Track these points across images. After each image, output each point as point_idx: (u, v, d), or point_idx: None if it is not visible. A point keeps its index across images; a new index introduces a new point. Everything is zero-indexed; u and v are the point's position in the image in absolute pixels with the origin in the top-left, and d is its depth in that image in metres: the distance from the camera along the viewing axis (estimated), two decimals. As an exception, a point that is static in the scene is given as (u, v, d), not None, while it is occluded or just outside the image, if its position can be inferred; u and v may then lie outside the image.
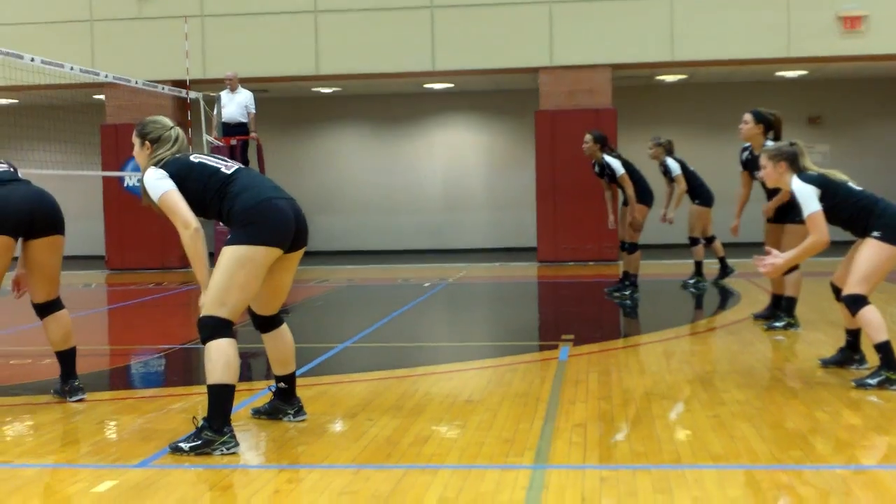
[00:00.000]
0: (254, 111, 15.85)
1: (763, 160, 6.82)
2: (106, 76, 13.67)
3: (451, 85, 20.21)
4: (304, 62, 18.08)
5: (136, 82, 14.25)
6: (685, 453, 4.96)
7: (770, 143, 8.56)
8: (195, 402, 6.55)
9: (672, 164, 12.57)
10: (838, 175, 6.60)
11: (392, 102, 21.61)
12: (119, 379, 7.95)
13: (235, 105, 15.72)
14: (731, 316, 9.94)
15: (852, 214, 6.47)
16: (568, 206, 17.27)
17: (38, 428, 5.86)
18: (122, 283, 15.78)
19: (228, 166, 5.36)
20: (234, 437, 5.14)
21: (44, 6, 18.38)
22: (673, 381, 6.73)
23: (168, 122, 5.55)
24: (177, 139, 5.46)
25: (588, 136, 11.78)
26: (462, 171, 21.35)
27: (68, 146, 15.62)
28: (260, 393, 6.60)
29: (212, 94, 16.00)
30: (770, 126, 9.46)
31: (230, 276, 5.11)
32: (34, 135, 12.66)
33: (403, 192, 21.60)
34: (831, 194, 6.47)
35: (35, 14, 18.33)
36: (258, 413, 5.84)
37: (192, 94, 15.81)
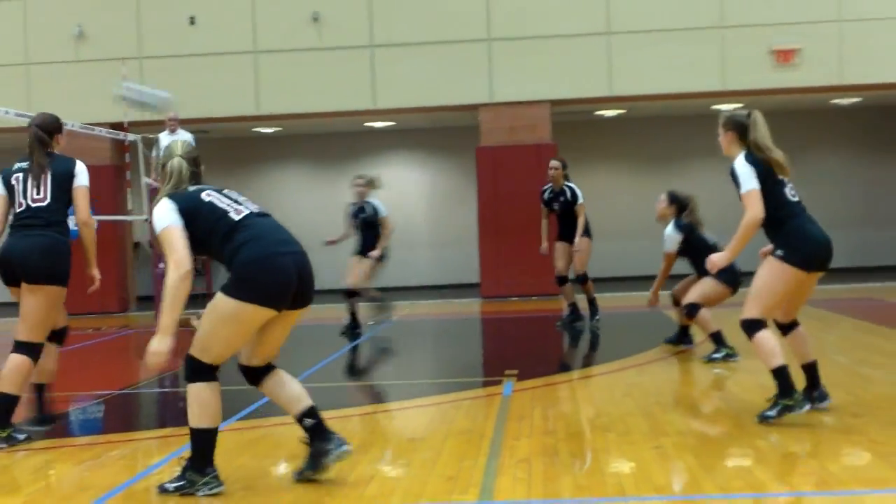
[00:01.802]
0: (194, 153, 15.75)
1: (720, 125, 6.68)
2: (42, 119, 13.49)
3: (393, 123, 20.26)
4: (244, 102, 18.03)
5: (73, 125, 14.04)
6: (629, 485, 4.96)
7: (670, 228, 9.63)
8: (134, 449, 6.44)
9: (577, 189, 12.35)
10: (783, 177, 6.32)
11: (333, 141, 21.60)
12: (56, 426, 7.77)
13: (175, 146, 15.61)
14: (672, 348, 10.00)
15: (771, 217, 6.20)
16: (510, 241, 17.34)
17: (-29, 479, 5.72)
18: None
19: (239, 210, 5.09)
20: (216, 477, 5.07)
21: (-22, 50, 18.16)
22: (616, 414, 6.74)
23: (174, 150, 5.30)
24: (172, 173, 5.19)
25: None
26: (405, 209, 21.32)
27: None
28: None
29: (150, 136, 15.85)
30: (682, 207, 9.91)
31: (215, 327, 4.96)
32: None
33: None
34: (767, 189, 6.22)
35: (-31, 58, 18.10)
36: (302, 476, 5.26)
37: (131, 137, 15.65)
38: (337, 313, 15.48)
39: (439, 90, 17.86)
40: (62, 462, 6.16)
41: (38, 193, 6.53)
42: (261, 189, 21.70)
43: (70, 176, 6.64)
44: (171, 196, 5.11)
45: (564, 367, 10.00)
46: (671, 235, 9.65)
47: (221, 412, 5.11)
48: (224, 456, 5.94)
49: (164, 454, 6.20)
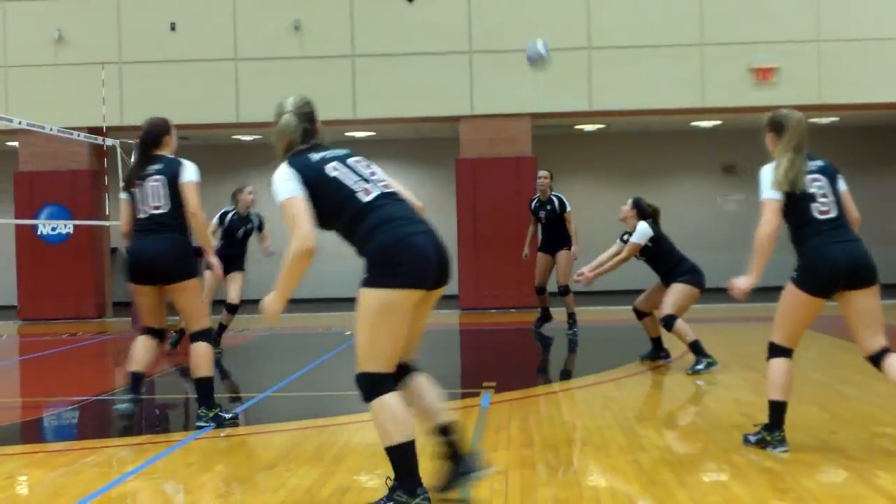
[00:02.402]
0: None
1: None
2: (20, 123, 13.40)
3: (373, 133, 20.25)
4: (224, 110, 17.98)
5: (52, 129, 13.98)
6: (606, 499, 4.96)
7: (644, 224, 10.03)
8: (109, 456, 6.38)
9: (564, 199, 13.02)
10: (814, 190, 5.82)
11: (313, 150, 21.55)
12: (30, 432, 7.71)
13: (154, 152, 15.53)
14: (650, 362, 10.02)
15: (792, 234, 5.88)
16: (489, 253, 17.35)
17: (-57, 484, 5.65)
18: (35, 334, 15.38)
19: (367, 190, 4.69)
20: (427, 498, 4.58)
21: (-44, 52, 18.04)
22: (594, 427, 6.75)
23: (285, 105, 5.04)
24: (283, 132, 4.94)
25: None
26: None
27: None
28: (176, 445, 6.46)
29: (129, 141, 15.77)
30: (644, 215, 10.30)
31: (374, 327, 4.54)
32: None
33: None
34: (792, 201, 5.79)
35: (-53, 59, 17.98)
36: (443, 491, 4.83)
37: (109, 142, 15.58)
38: (318, 322, 15.50)
39: (420, 101, 17.87)
40: (36, 468, 6.10)
41: (155, 201, 6.94)
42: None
43: (178, 177, 7.00)
44: (291, 162, 4.77)
45: (542, 380, 10.00)
46: (644, 230, 9.93)
47: (413, 422, 4.65)
48: (199, 465, 5.91)
49: (139, 461, 6.15)
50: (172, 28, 17.94)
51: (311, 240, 4.57)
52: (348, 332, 13.13)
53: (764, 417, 5.97)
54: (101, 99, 15.87)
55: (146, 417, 8.34)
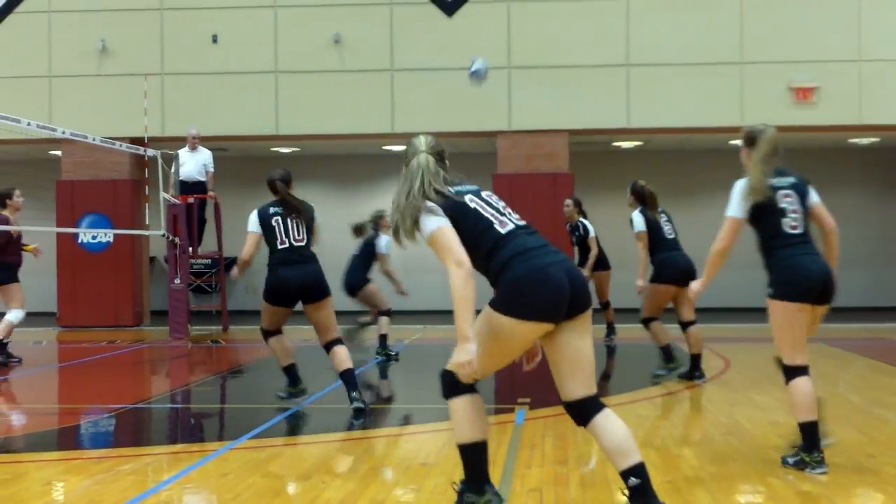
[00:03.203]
0: (212, 170, 15.83)
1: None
2: (63, 132, 13.61)
3: (410, 147, 20.31)
4: (264, 122, 18.12)
5: (94, 139, 14.18)
6: (640, 519, 4.93)
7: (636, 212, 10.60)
8: (145, 464, 6.45)
9: (589, 225, 13.38)
10: (785, 205, 6.03)
11: (351, 163, 21.67)
12: (68, 439, 7.80)
13: (194, 163, 15.69)
14: (685, 381, 9.97)
15: (762, 248, 6.09)
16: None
17: (-17, 489, 5.74)
18: (74, 341, 15.55)
19: (503, 222, 4.72)
20: (497, 494, 4.72)
21: (2, 61, 18.31)
22: (628, 446, 6.72)
23: (419, 145, 5.17)
24: (420, 170, 4.98)
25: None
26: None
27: (23, 201, 15.47)
28: (211, 455, 6.51)
29: (170, 151, 15.97)
30: (643, 199, 10.85)
31: (485, 343, 4.53)
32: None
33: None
34: (766, 213, 6.04)
35: (-7, 69, 18.27)
36: None
37: (150, 152, 15.76)
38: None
39: (458, 116, 17.92)
40: (73, 475, 6.17)
41: (298, 234, 8.39)
42: (277, 208, 21.79)
43: (312, 218, 8.54)
44: (430, 195, 4.81)
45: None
46: (637, 216, 10.58)
47: (487, 424, 4.78)
48: (235, 475, 5.96)
49: (174, 471, 6.21)
50: (214, 41, 18.13)
51: (468, 261, 4.53)
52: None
53: (800, 439, 5.93)
54: (142, 110, 16.06)
55: (182, 426, 8.42)
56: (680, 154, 21.16)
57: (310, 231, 8.46)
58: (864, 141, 19.73)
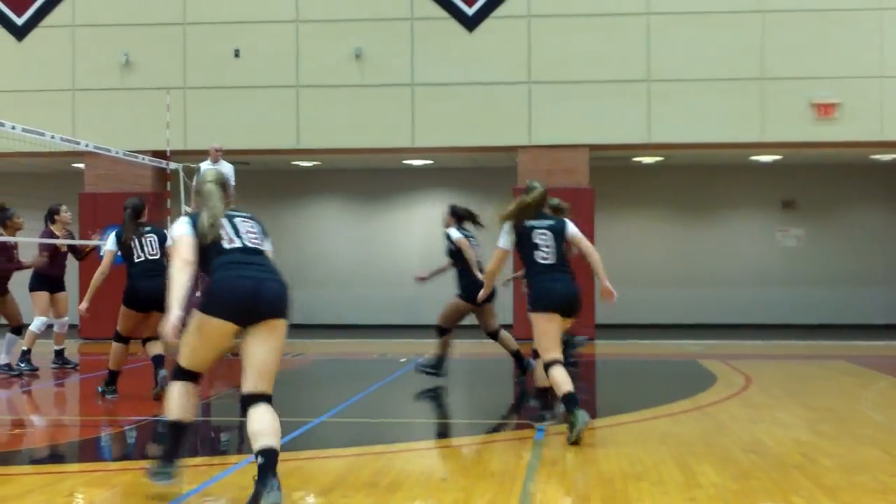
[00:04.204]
0: (232, 183, 15.88)
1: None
2: (86, 145, 13.69)
3: (431, 161, 20.36)
4: (285, 136, 18.20)
5: (117, 152, 14.27)
6: (662, 536, 4.91)
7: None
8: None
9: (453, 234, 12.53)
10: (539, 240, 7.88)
11: (371, 177, 21.72)
12: (89, 451, 7.83)
13: (215, 177, 15.76)
14: (707, 398, 9.94)
15: (525, 272, 8.03)
16: (544, 283, 17.25)
17: (5, 501, 5.76)
18: (96, 353, 15.59)
19: (232, 240, 5.70)
20: (172, 476, 5.72)
21: (26, 75, 18.47)
22: (650, 463, 6.70)
23: (207, 176, 5.97)
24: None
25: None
26: (440, 247, 21.29)
27: (69, 216, 15.59)
28: (234, 466, 6.51)
29: (192, 165, 16.05)
30: (461, 218, 11.58)
31: (186, 336, 5.55)
32: (12, 202, 12.63)
33: (381, 267, 21.59)
34: (524, 246, 7.94)
35: (17, 82, 18.40)
36: None
37: (173, 165, 15.84)
38: (373, 348, 15.53)
39: (478, 131, 17.95)
40: (94, 487, 6.19)
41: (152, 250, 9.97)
42: (298, 222, 21.86)
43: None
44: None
45: (597, 413, 9.93)
46: (454, 233, 11.50)
47: (192, 412, 5.80)
48: (253, 488, 5.95)
49: (195, 483, 6.22)
50: (236, 55, 18.24)
51: (192, 260, 5.57)
52: (403, 360, 13.16)
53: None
54: (165, 123, 16.15)
55: (203, 439, 8.43)
56: (700, 169, 21.12)
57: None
58: (886, 157, 19.62)
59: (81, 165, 18.61)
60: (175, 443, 5.75)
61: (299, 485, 6.12)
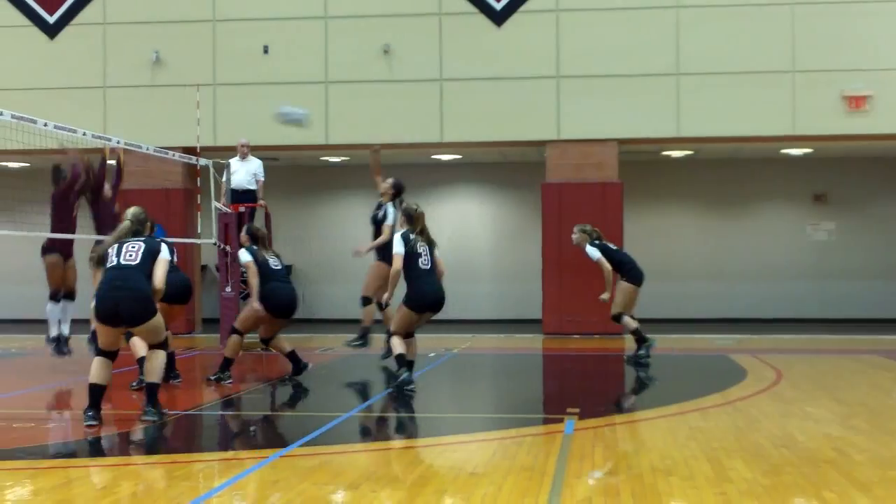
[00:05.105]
0: (262, 179, 15.94)
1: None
2: (117, 142, 13.77)
3: (459, 156, 20.36)
4: (314, 132, 18.24)
5: (147, 148, 14.33)
6: (692, 531, 4.90)
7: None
8: (197, 471, 6.51)
9: (590, 251, 12.73)
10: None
11: (400, 172, 21.50)
12: (122, 444, 7.90)
13: (244, 172, 15.82)
14: (737, 392, 9.89)
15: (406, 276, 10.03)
16: (574, 278, 17.24)
17: (39, 493, 5.82)
18: (127, 348, 15.67)
19: (111, 260, 8.27)
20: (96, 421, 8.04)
21: (58, 73, 18.62)
22: (679, 457, 6.67)
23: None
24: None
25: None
26: (469, 242, 21.42)
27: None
28: (262, 462, 6.56)
29: (221, 161, 16.13)
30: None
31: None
32: (44, 198, 12.75)
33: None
34: (409, 255, 10.03)
35: (49, 80, 18.57)
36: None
37: (203, 161, 15.91)
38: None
39: (506, 125, 17.93)
40: (127, 480, 6.25)
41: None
42: (326, 216, 21.94)
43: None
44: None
45: (626, 408, 9.92)
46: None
47: (106, 377, 8.28)
48: (285, 482, 5.99)
49: (226, 477, 6.26)
50: (265, 51, 18.30)
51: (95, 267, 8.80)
52: (431, 354, 13.19)
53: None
54: (195, 119, 16.23)
55: (234, 433, 8.49)
56: (731, 163, 21.00)
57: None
58: (920, 150, 19.45)
59: (113, 162, 18.71)
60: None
61: (328, 479, 6.14)
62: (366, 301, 12.44)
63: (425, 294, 9.93)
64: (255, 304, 10.54)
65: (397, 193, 12.85)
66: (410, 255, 9.99)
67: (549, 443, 7.32)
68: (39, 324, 17.42)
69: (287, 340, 11.10)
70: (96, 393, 8.08)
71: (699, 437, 7.46)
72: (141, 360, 9.78)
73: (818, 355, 13.95)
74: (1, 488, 5.95)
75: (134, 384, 10.23)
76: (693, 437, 7.50)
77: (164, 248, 8.46)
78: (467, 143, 18.42)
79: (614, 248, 13.13)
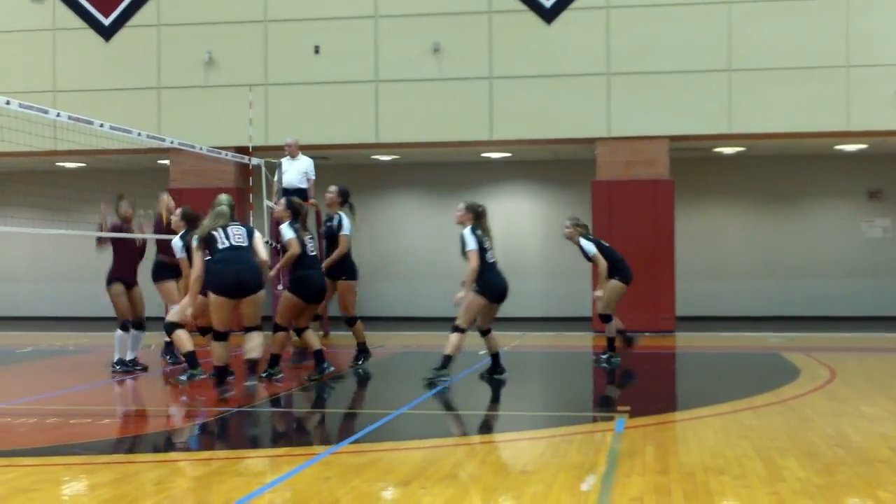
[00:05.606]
0: (313, 178, 16.04)
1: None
2: (171, 142, 13.95)
3: (509, 154, 20.34)
4: (364, 130, 18.34)
5: (201, 148, 14.50)
6: (743, 530, 4.87)
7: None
8: (249, 467, 6.59)
9: (586, 244, 12.47)
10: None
11: (449, 171, 21.78)
12: (177, 441, 8.01)
13: (295, 171, 15.92)
14: (790, 391, 9.80)
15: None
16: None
17: (95, 488, 5.93)
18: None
19: (223, 242, 9.61)
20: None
21: (113, 74, 18.90)
22: (731, 456, 6.63)
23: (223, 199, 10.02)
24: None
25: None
26: (518, 240, 21.38)
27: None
28: (313, 458, 6.62)
29: (273, 160, 16.26)
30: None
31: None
32: (100, 198, 12.94)
33: (459, 260, 21.59)
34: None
35: (105, 81, 18.86)
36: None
37: (254, 161, 16.06)
38: (446, 341, 15.56)
39: (556, 123, 17.88)
40: (180, 476, 6.34)
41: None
42: (376, 214, 22.02)
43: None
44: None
45: (678, 406, 9.87)
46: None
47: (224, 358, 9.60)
48: (337, 479, 6.05)
49: (278, 473, 6.33)
50: (316, 51, 18.42)
51: (199, 267, 9.65)
52: (482, 352, 13.21)
53: None
54: (247, 119, 16.39)
55: (285, 429, 8.56)
56: (783, 159, 20.77)
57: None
58: (977, 145, 19.10)
59: (167, 162, 18.97)
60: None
61: (378, 476, 6.19)
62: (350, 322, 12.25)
63: (496, 284, 10.59)
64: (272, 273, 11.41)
65: (345, 200, 12.61)
66: (480, 250, 10.54)
67: (599, 441, 7.31)
68: (97, 321, 17.71)
69: (318, 338, 11.19)
70: (226, 373, 9.59)
71: (752, 436, 7.41)
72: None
73: (873, 353, 13.76)
74: (58, 483, 6.08)
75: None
76: (745, 435, 7.45)
77: (256, 231, 9.99)
78: (517, 140, 18.40)
79: (606, 244, 12.72)
